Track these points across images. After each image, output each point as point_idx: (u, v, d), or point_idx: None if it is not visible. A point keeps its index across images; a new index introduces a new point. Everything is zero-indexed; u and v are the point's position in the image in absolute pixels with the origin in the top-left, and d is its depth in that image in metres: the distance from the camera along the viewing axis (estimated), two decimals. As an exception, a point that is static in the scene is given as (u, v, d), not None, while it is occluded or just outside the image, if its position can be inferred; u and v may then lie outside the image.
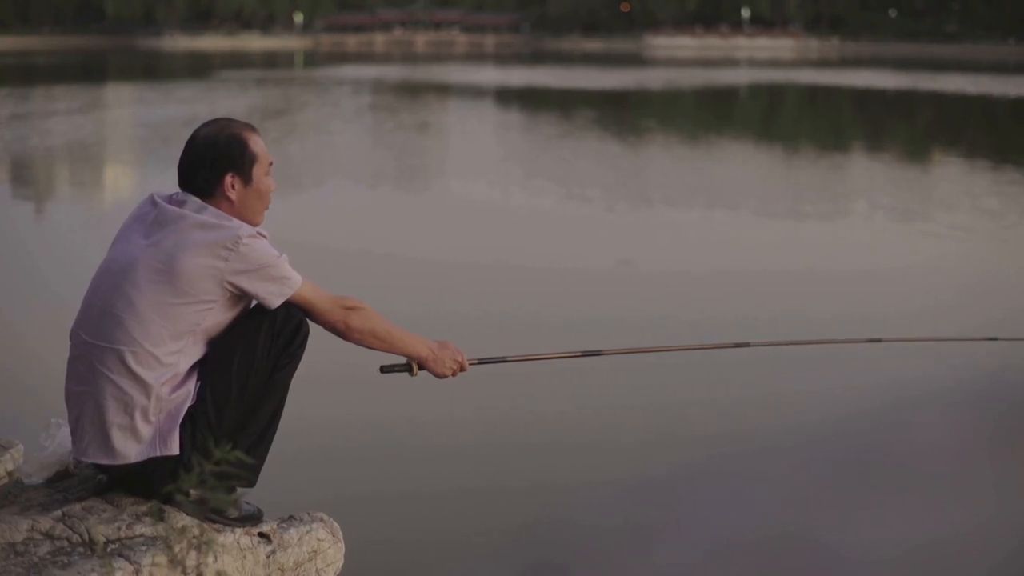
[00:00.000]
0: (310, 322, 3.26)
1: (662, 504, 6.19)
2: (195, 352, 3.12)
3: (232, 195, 3.19)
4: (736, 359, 8.53)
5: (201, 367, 3.16)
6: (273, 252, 3.14)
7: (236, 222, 3.13)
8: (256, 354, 3.14)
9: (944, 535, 5.80)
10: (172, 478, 3.00)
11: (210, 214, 3.12)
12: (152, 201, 3.18)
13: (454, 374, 3.45)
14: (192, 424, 3.09)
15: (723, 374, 8.24)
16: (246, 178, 3.21)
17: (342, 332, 3.28)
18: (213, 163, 3.17)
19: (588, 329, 9.40)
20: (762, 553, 5.62)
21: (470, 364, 3.49)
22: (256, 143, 3.24)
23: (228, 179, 3.18)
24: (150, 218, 3.14)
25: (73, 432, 3.17)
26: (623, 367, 8.45)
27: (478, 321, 9.69)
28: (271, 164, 3.29)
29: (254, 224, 3.23)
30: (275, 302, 3.14)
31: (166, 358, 3.05)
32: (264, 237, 3.16)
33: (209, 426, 3.09)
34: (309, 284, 3.21)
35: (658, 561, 5.49)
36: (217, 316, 3.12)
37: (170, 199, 3.18)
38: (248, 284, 3.09)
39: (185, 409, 3.10)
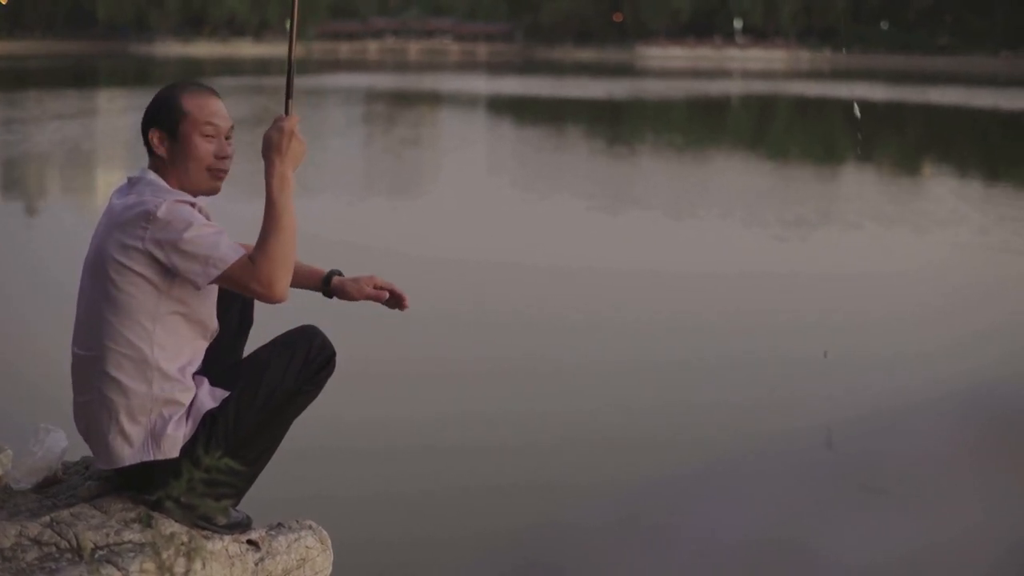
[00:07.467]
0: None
1: (657, 508, 6.19)
2: (170, 344, 3.05)
3: (161, 151, 3.12)
4: (730, 365, 8.55)
5: (230, 373, 3.17)
6: (192, 218, 2.94)
7: (163, 193, 3.02)
8: (288, 372, 3.14)
9: (937, 542, 5.82)
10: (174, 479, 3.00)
11: (140, 188, 3.06)
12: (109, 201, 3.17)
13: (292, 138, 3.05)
14: (212, 425, 3.10)
15: (719, 379, 8.26)
16: (171, 135, 3.12)
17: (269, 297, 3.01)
18: (144, 120, 3.16)
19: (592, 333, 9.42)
20: (758, 557, 5.63)
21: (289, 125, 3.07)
22: (191, 101, 3.13)
23: (153, 135, 3.13)
24: (104, 220, 3.13)
25: (86, 442, 3.20)
26: (621, 370, 8.48)
27: (479, 323, 9.70)
28: (212, 126, 3.12)
29: (197, 191, 3.13)
30: (201, 283, 2.97)
31: (133, 353, 3.02)
32: (191, 204, 3.00)
33: (226, 430, 3.10)
34: (244, 262, 2.94)
35: (653, 565, 5.49)
36: (163, 298, 3.01)
37: (125, 182, 3.16)
38: (165, 256, 2.95)
39: (179, 414, 3.09)
